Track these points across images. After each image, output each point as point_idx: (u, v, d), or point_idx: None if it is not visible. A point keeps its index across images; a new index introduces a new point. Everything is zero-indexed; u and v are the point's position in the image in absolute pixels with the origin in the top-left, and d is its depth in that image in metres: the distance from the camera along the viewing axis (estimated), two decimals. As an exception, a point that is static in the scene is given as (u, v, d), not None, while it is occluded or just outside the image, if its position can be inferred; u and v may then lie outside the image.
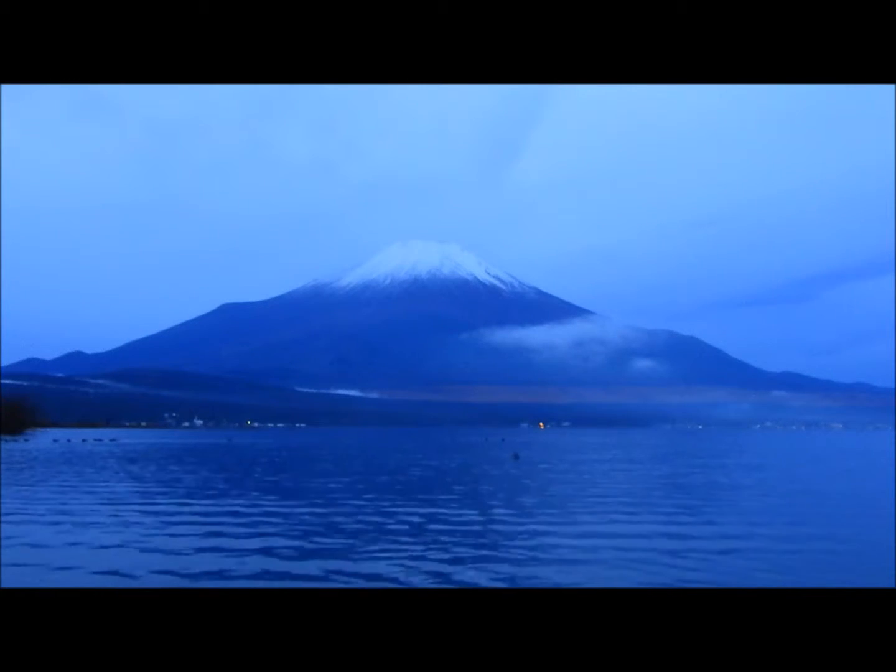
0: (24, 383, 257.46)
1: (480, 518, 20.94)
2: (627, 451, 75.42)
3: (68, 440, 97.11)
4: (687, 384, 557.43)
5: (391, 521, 20.22)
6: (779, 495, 28.20)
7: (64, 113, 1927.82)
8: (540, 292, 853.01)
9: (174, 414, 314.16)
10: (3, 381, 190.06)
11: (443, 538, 17.24)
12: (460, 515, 21.50)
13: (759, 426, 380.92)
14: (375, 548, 15.91)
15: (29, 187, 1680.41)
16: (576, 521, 20.40)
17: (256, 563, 14.15)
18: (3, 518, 20.23)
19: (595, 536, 17.50)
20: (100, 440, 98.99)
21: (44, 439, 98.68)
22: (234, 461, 52.13)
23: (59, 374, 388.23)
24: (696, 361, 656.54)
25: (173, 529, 18.53)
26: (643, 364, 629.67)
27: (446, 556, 15.06)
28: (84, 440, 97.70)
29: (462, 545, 16.34)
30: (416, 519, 20.59)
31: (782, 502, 25.62)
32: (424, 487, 30.93)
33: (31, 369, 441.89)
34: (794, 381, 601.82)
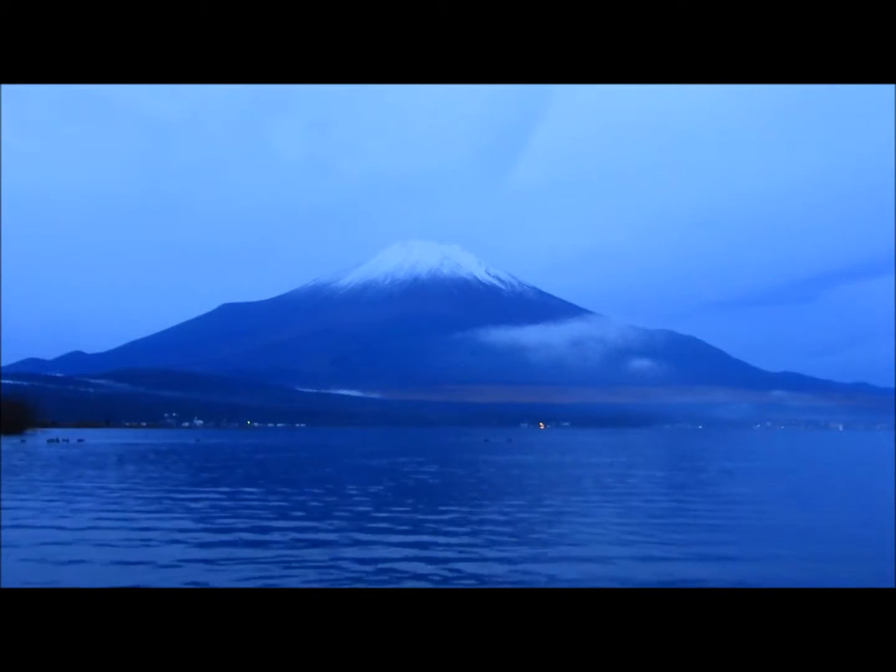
0: (24, 383, 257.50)
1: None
2: (609, 453, 74.36)
3: (56, 440, 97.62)
4: (687, 384, 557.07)
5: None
6: (721, 501, 26.06)
7: (61, 113, 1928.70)
8: (539, 292, 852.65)
9: (174, 414, 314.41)
10: (3, 381, 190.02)
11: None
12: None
13: (759, 426, 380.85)
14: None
15: (28, 187, 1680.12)
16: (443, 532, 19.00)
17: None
18: None
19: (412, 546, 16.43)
20: (66, 440, 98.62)
21: (13, 441, 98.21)
22: (177, 464, 50.40)
23: (59, 374, 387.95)
24: (695, 361, 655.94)
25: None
26: (643, 364, 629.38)
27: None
28: (53, 440, 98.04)
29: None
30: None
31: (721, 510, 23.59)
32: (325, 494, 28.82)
33: (31, 369, 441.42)
34: (794, 381, 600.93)
